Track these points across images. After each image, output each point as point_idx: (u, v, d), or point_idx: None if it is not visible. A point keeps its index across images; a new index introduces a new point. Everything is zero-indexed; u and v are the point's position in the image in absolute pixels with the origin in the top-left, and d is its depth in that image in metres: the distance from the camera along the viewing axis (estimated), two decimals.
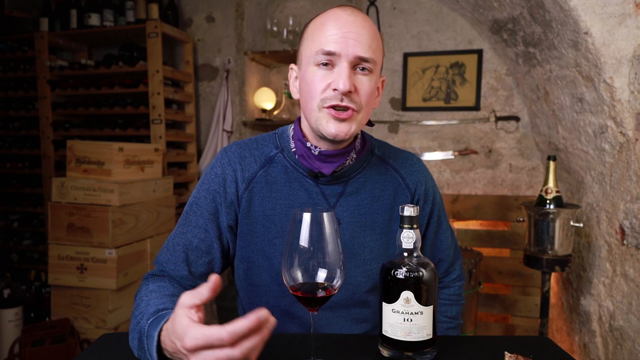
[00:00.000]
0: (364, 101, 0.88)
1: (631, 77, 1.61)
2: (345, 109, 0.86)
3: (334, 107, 0.86)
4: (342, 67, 0.85)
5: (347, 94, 0.85)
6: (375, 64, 0.88)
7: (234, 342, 0.57)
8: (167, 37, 2.81)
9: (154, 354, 0.69)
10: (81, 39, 3.14)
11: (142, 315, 0.78)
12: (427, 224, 1.07)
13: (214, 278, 0.61)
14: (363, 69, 0.87)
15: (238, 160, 0.98)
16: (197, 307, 0.63)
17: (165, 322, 0.69)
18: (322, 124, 0.87)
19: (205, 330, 0.58)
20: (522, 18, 2.07)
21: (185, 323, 0.60)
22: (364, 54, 0.85)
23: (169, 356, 0.68)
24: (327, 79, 0.86)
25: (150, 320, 0.73)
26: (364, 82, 0.87)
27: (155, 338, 0.69)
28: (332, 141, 0.90)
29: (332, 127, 0.86)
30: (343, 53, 0.84)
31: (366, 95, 0.88)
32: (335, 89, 0.85)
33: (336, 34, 0.85)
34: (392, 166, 1.04)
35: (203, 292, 0.62)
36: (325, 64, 0.86)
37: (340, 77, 0.84)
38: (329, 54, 0.85)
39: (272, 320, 0.60)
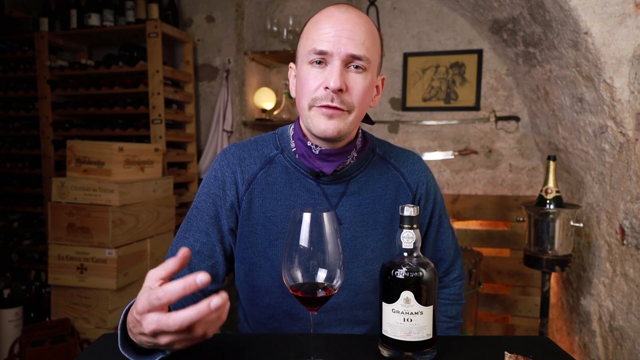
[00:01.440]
0: (356, 100, 0.87)
1: (631, 77, 1.62)
2: (335, 108, 0.86)
3: (324, 107, 0.86)
4: (334, 66, 0.84)
5: (338, 92, 0.84)
6: (369, 62, 0.87)
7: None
8: (167, 37, 2.81)
9: (119, 328, 0.70)
10: (81, 39, 3.14)
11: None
12: (428, 224, 1.06)
13: (183, 250, 0.62)
14: (357, 67, 0.86)
15: (237, 162, 0.97)
16: (163, 280, 0.63)
17: (132, 304, 0.70)
18: (313, 122, 0.87)
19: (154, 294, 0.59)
20: (522, 18, 2.07)
21: (144, 292, 0.62)
22: (357, 51, 0.84)
23: (131, 337, 0.68)
24: (319, 78, 0.86)
25: (128, 307, 0.74)
26: (357, 81, 0.86)
27: (123, 314, 0.70)
28: (326, 139, 0.90)
29: (322, 124, 0.86)
30: (335, 52, 0.84)
31: (359, 94, 0.87)
32: (326, 88, 0.84)
33: (329, 32, 0.85)
34: (394, 165, 1.03)
35: (169, 263, 0.62)
36: (319, 62, 0.86)
37: (331, 75, 0.84)
38: (321, 53, 0.85)
39: (221, 297, 0.57)
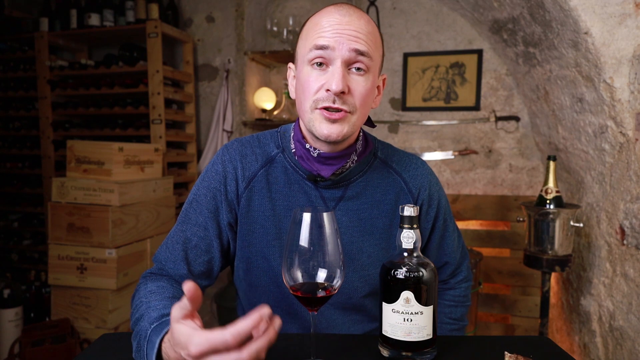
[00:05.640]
0: (359, 102, 0.86)
1: (631, 77, 1.61)
2: (338, 110, 0.84)
3: (326, 108, 0.84)
4: (336, 67, 0.83)
5: (340, 95, 0.83)
6: (371, 60, 0.85)
7: (238, 343, 0.56)
8: (167, 37, 2.81)
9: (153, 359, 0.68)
10: (81, 39, 3.14)
11: (141, 316, 0.78)
12: (432, 228, 1.04)
13: (187, 287, 0.60)
14: (358, 69, 0.84)
15: (239, 158, 0.97)
16: (190, 316, 0.63)
17: (167, 332, 0.69)
18: (315, 125, 0.86)
19: (208, 335, 0.57)
20: (522, 18, 2.07)
21: (186, 332, 0.60)
22: (360, 47, 0.83)
23: None
24: (320, 80, 0.84)
25: (154, 325, 0.73)
26: (359, 83, 0.85)
27: (157, 345, 0.69)
28: (327, 142, 0.88)
29: (325, 129, 0.85)
30: (337, 47, 0.82)
31: (361, 96, 0.85)
32: (328, 90, 0.83)
33: (330, 29, 0.83)
34: (395, 170, 1.01)
35: (186, 303, 0.62)
36: (320, 64, 0.84)
37: (333, 77, 0.82)
38: (322, 48, 0.83)
39: (277, 320, 0.59)
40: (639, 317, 1.66)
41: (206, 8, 3.06)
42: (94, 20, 2.83)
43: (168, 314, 0.75)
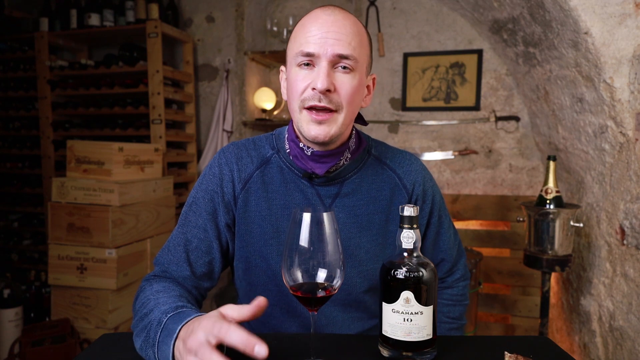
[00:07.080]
0: (345, 100, 0.87)
1: (631, 77, 1.62)
2: (324, 109, 0.86)
3: (313, 107, 0.86)
4: (321, 67, 0.85)
5: (326, 93, 0.85)
6: (356, 61, 0.87)
7: None
8: (167, 37, 2.81)
9: (171, 346, 0.69)
10: (81, 39, 3.14)
11: (151, 311, 0.78)
12: (427, 224, 1.06)
13: (258, 301, 0.65)
14: (344, 67, 0.87)
15: (235, 161, 0.99)
16: (234, 320, 0.66)
17: (190, 320, 0.70)
18: (303, 127, 0.88)
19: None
20: (522, 18, 2.08)
21: (215, 316, 0.65)
22: (343, 51, 0.85)
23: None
24: (307, 79, 0.87)
25: (171, 314, 0.74)
26: (345, 81, 0.87)
27: (176, 332, 0.69)
28: (317, 143, 0.90)
29: (312, 130, 0.87)
30: (322, 53, 0.85)
31: (347, 94, 0.87)
32: (314, 88, 0.85)
33: (315, 34, 0.86)
34: (389, 166, 1.03)
35: (244, 310, 0.65)
36: (307, 64, 0.87)
37: (318, 76, 0.85)
38: (308, 55, 0.86)
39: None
40: (639, 317, 1.66)
41: (206, 8, 3.06)
42: (94, 20, 2.83)
43: (182, 306, 0.77)
